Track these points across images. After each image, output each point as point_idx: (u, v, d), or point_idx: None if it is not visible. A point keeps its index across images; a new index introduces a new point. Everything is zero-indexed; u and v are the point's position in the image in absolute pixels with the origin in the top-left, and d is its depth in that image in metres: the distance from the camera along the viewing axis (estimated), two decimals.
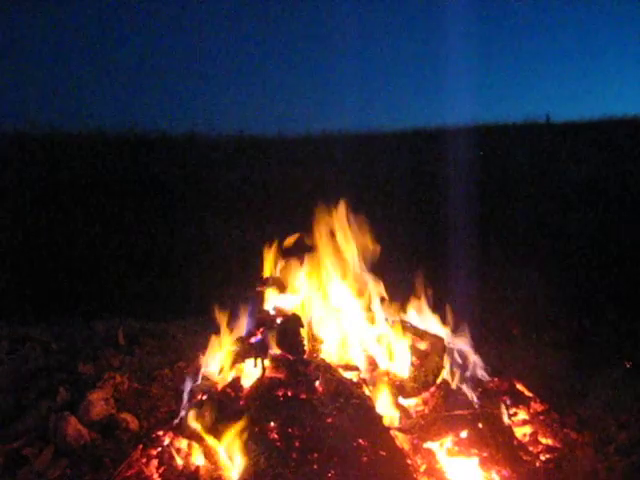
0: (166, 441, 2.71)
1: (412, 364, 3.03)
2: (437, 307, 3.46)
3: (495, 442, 2.71)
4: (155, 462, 2.63)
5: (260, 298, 3.18)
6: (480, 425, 2.75)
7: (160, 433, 2.76)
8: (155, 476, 2.57)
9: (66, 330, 4.52)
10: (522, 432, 3.03)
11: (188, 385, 2.92)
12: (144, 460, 2.65)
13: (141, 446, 2.72)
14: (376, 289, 3.26)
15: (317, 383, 2.64)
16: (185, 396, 2.85)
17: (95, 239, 7.06)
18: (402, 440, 2.63)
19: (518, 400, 3.20)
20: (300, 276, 3.19)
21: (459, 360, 3.20)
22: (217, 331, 3.07)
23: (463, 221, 7.02)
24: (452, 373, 3.07)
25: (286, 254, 3.29)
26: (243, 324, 3.06)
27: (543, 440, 3.00)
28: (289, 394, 2.57)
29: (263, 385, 2.63)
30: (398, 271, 3.42)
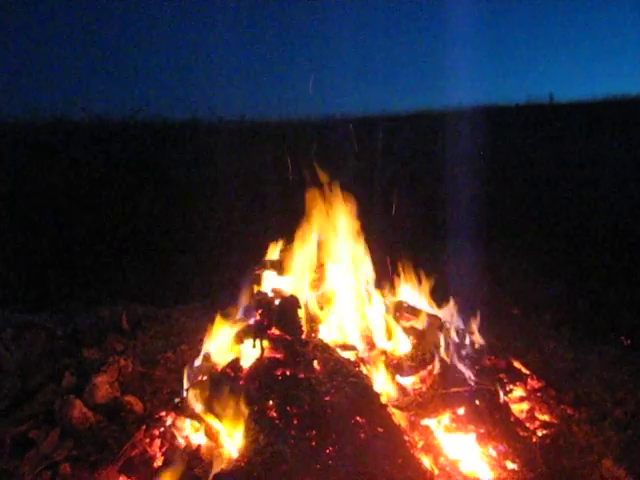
0: (168, 421, 2.75)
1: (409, 343, 3.07)
2: (436, 286, 3.49)
3: (492, 418, 2.76)
4: (158, 442, 2.68)
5: (259, 280, 3.22)
6: (477, 402, 2.80)
7: (163, 414, 2.80)
8: (158, 455, 2.62)
9: (70, 316, 4.57)
10: (519, 409, 3.07)
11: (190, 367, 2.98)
12: (147, 440, 2.70)
13: (144, 427, 2.76)
14: (374, 269, 3.30)
15: (315, 362, 2.68)
16: (186, 377, 2.90)
17: (98, 225, 7.10)
18: (399, 417, 2.67)
19: (515, 377, 3.24)
20: (298, 257, 3.23)
21: (456, 338, 3.23)
22: (218, 314, 3.11)
23: (464, 202, 7.03)
24: (449, 351, 3.10)
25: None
26: (242, 306, 3.11)
27: (540, 416, 3.04)
28: (287, 373, 2.61)
29: (262, 365, 2.67)
30: (397, 251, 3.44)
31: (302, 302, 2.96)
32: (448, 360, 3.05)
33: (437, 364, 2.98)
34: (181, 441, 2.65)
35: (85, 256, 6.33)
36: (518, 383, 3.21)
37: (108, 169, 8.57)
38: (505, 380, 3.18)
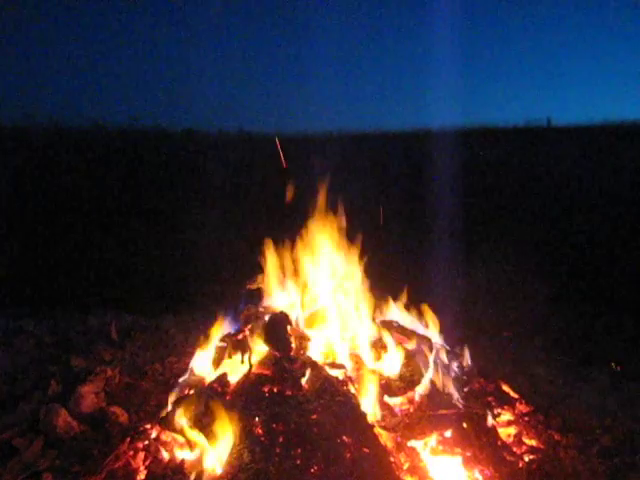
0: (153, 434, 2.74)
1: (399, 363, 3.06)
2: (426, 307, 3.48)
3: (479, 442, 2.74)
4: (142, 455, 2.66)
5: (249, 295, 3.21)
6: (464, 425, 2.78)
7: (147, 426, 2.79)
8: (141, 468, 2.61)
9: (60, 324, 4.56)
10: (507, 433, 3.06)
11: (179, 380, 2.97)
12: (131, 453, 2.68)
13: (129, 439, 2.75)
14: (364, 288, 3.29)
15: (303, 380, 2.67)
16: (173, 390, 2.88)
17: (91, 234, 7.08)
18: (386, 438, 2.65)
19: (503, 401, 3.22)
20: (289, 274, 3.22)
21: (446, 360, 3.23)
22: (208, 328, 3.11)
23: (459, 223, 7.05)
24: (438, 373, 3.09)
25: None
26: (233, 321, 3.10)
27: (527, 441, 3.03)
28: (275, 390, 2.60)
29: (249, 381, 2.66)
30: (389, 271, 3.44)
31: (292, 319, 2.95)
32: (437, 382, 3.04)
33: (426, 385, 2.97)
34: (165, 455, 2.63)
35: (76, 264, 6.31)
36: (506, 407, 3.20)
37: (103, 176, 8.56)
38: (493, 403, 3.17)
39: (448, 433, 2.74)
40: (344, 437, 2.43)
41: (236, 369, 2.82)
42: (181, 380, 2.93)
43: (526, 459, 2.85)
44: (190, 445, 2.58)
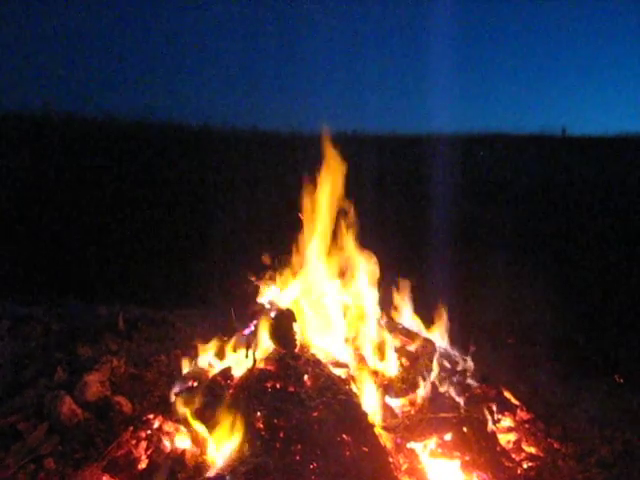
0: (156, 424, 2.76)
1: (402, 365, 3.07)
2: (430, 311, 3.50)
3: (478, 447, 2.75)
4: (144, 444, 2.69)
5: (256, 291, 3.24)
6: (464, 429, 2.79)
7: (151, 416, 2.82)
8: (143, 457, 2.63)
9: (68, 312, 4.59)
10: (506, 439, 3.07)
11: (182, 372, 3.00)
12: (134, 442, 2.71)
13: (132, 428, 2.78)
14: (371, 289, 3.30)
15: (306, 377, 2.68)
16: (177, 382, 2.91)
17: (102, 225, 7.12)
18: (386, 438, 2.67)
19: (505, 407, 3.23)
20: (297, 273, 3.24)
21: (448, 364, 3.24)
22: (216, 322, 3.13)
23: (468, 229, 7.05)
24: (440, 376, 3.11)
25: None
26: (240, 317, 3.13)
27: (526, 448, 3.03)
28: (277, 386, 2.62)
29: (253, 376, 2.68)
30: (393, 273, 3.44)
31: (298, 316, 2.97)
32: (439, 385, 3.06)
33: (428, 388, 2.98)
34: (167, 445, 2.66)
35: (87, 254, 6.35)
36: (507, 413, 3.21)
37: (115, 169, 8.60)
38: (494, 409, 3.17)
39: (448, 436, 2.76)
40: (344, 435, 2.45)
41: (240, 364, 2.84)
42: (185, 372, 2.96)
43: (525, 466, 2.86)
44: (192, 436, 2.61)
